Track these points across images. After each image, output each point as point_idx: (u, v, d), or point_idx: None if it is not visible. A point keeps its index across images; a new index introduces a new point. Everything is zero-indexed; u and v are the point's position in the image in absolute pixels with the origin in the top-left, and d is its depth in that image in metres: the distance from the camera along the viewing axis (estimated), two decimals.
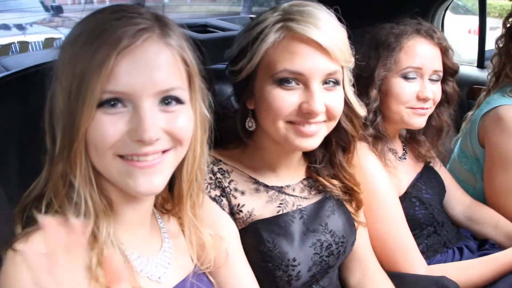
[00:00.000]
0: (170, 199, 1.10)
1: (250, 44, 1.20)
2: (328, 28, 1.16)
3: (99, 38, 0.86)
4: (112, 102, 0.86)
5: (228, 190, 1.26)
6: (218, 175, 1.26)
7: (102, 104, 0.86)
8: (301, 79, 1.17)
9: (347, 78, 1.25)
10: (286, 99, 1.17)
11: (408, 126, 1.65)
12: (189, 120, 0.95)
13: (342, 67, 1.21)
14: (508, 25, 1.94)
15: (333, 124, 1.25)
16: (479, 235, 1.85)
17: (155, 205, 1.09)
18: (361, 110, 1.31)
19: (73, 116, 0.86)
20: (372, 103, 1.59)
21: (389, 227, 1.56)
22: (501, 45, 1.96)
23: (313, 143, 1.22)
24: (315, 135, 1.21)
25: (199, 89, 0.99)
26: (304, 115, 1.17)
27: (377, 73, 1.57)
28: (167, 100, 0.91)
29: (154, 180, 0.91)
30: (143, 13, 0.92)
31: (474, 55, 2.74)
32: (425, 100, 1.58)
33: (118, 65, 0.85)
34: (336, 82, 1.20)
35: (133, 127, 0.87)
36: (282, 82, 1.17)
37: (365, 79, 1.55)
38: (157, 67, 0.89)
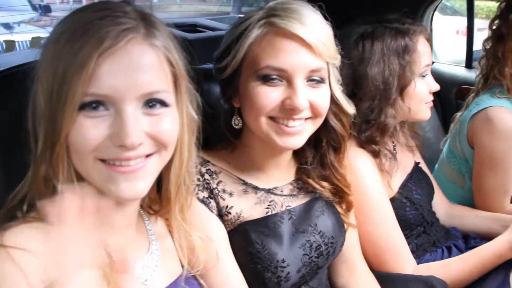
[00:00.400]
0: (158, 200, 1.07)
1: (234, 41, 1.20)
2: (312, 24, 1.15)
3: (82, 38, 0.83)
4: (94, 105, 0.84)
5: (216, 191, 1.24)
6: (206, 176, 1.25)
7: (83, 106, 0.83)
8: (284, 75, 1.16)
9: (334, 76, 1.24)
10: (269, 95, 1.16)
11: (422, 120, 1.72)
12: (174, 123, 0.93)
13: (328, 64, 1.20)
14: (494, 27, 1.95)
15: (319, 122, 1.24)
16: (462, 228, 1.87)
17: (141, 206, 1.07)
18: (349, 108, 1.30)
19: (54, 118, 0.83)
20: (404, 111, 1.61)
21: (380, 228, 1.56)
22: (488, 47, 1.97)
23: (296, 142, 1.21)
24: (298, 133, 1.20)
25: (185, 91, 0.97)
26: (287, 111, 1.16)
27: (409, 78, 1.58)
28: (151, 103, 0.88)
29: (137, 185, 0.89)
30: (128, 12, 0.89)
31: (462, 56, 2.75)
32: (432, 93, 1.64)
33: (99, 67, 0.83)
34: (321, 80, 1.19)
35: (115, 131, 0.84)
36: (266, 78, 1.16)
37: (396, 87, 1.56)
38: (141, 69, 0.86)
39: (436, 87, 1.63)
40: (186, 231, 1.08)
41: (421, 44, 1.60)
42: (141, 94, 0.86)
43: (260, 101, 1.16)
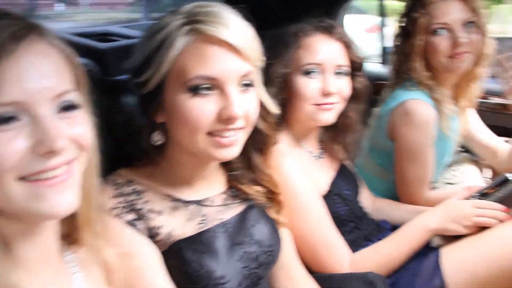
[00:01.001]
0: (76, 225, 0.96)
1: (154, 52, 1.12)
2: (236, 27, 1.11)
3: None
4: (6, 118, 0.75)
5: (144, 212, 1.16)
6: (132, 197, 1.16)
7: None
8: (215, 84, 1.10)
9: (259, 78, 1.21)
10: (203, 108, 1.10)
11: (316, 123, 1.65)
12: (89, 125, 0.86)
13: (255, 67, 1.17)
14: (402, 24, 2.04)
15: (250, 129, 1.20)
16: (390, 221, 1.92)
17: (61, 236, 0.95)
18: (274, 108, 1.28)
19: None
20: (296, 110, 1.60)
21: (312, 226, 1.56)
22: (397, 43, 2.06)
23: (233, 152, 1.17)
24: (234, 144, 1.16)
25: (88, 91, 0.90)
26: (224, 121, 1.11)
27: (275, 71, 1.56)
28: (64, 105, 0.81)
29: (69, 196, 0.81)
30: (14, 17, 0.81)
31: (374, 52, 2.85)
32: (328, 95, 1.58)
33: None
34: (250, 84, 1.16)
35: (38, 139, 0.76)
36: (196, 89, 1.10)
37: (265, 78, 1.54)
38: (45, 70, 0.79)
39: (329, 89, 1.57)
40: (98, 248, 0.98)
41: (313, 43, 1.60)
42: (53, 96, 0.79)
43: (194, 115, 1.10)
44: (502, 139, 2.26)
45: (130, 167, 1.21)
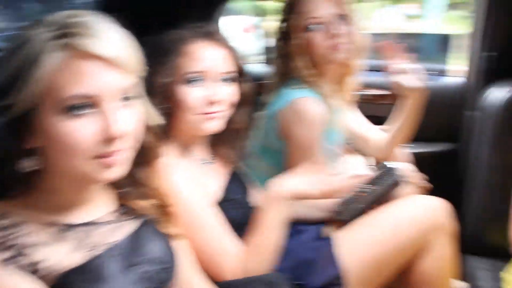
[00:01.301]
0: None
1: (19, 71, 0.99)
2: (114, 39, 1.04)
3: None
4: None
5: (23, 246, 1.04)
6: (7, 231, 1.03)
7: None
8: (94, 102, 1.02)
9: (141, 89, 1.15)
10: (82, 131, 1.01)
11: (202, 132, 1.62)
12: None
13: (136, 79, 1.11)
14: (281, 27, 2.10)
15: (137, 145, 1.14)
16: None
17: None
18: (157, 118, 1.23)
19: None
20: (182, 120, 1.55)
21: (205, 235, 1.53)
22: (278, 45, 2.12)
23: (120, 172, 1.10)
24: (120, 163, 1.08)
25: None
26: (106, 141, 1.03)
27: (156, 80, 1.50)
28: None
29: None
30: None
31: (253, 52, 2.90)
32: (213, 103, 1.56)
33: None
34: (133, 97, 1.09)
35: None
36: (73, 110, 1.00)
37: (147, 88, 1.48)
38: None
39: (214, 98, 1.55)
40: None
41: (196, 50, 1.56)
42: None
43: (73, 140, 1.00)
44: (379, 127, 2.40)
45: (0, 199, 1.08)
